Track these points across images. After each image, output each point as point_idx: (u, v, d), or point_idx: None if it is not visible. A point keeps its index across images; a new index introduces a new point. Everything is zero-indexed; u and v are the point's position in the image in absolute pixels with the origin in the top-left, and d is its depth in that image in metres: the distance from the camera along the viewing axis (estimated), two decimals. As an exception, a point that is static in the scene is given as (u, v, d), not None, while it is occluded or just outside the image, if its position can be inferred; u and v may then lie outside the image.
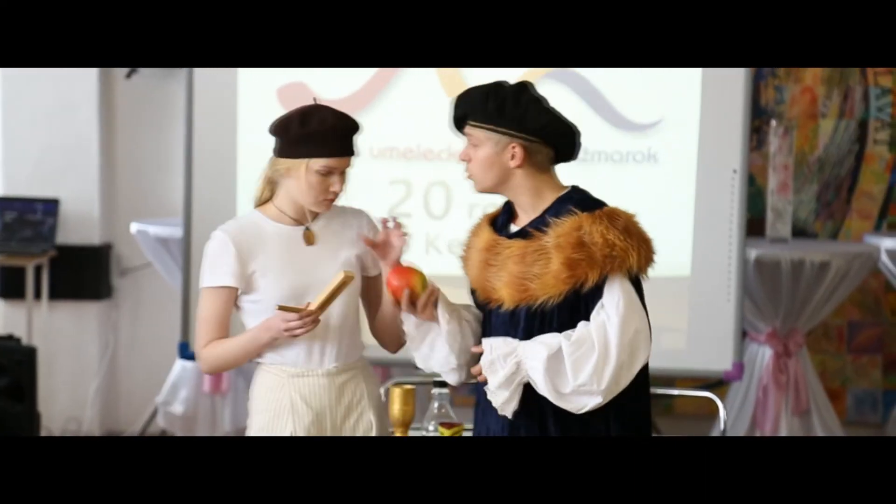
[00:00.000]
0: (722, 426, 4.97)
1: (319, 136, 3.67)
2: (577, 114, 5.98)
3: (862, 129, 7.10)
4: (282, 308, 3.64)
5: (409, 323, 3.59)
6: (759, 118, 6.94)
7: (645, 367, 3.41)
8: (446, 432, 4.05)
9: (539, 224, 3.41)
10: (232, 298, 3.75)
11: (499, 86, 3.46)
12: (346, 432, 3.75)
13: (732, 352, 5.98)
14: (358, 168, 6.07)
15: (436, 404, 4.19)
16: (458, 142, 6.05)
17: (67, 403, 7.26)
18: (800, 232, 7.01)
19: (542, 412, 3.41)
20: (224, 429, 6.76)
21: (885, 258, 6.65)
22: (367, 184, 6.14)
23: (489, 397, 3.43)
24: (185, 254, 6.18)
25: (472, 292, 3.58)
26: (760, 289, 6.36)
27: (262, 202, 3.82)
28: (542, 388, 3.34)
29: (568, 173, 6.00)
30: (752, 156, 6.72)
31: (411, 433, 4.26)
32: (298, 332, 3.61)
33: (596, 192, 6.57)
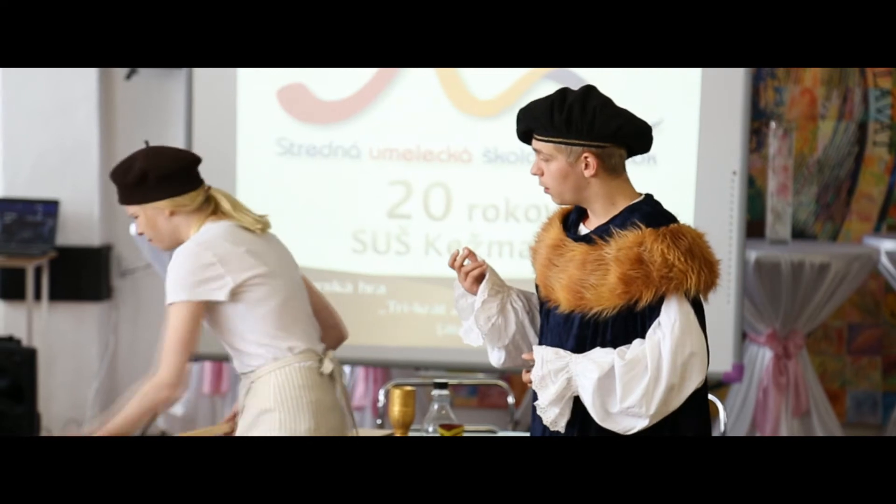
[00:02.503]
0: (722, 428, 4.97)
1: None
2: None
3: (861, 130, 7.10)
4: None
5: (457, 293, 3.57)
6: (758, 120, 6.94)
7: (702, 390, 3.32)
8: (446, 434, 4.05)
9: (603, 232, 3.33)
10: None
11: (563, 95, 3.36)
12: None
13: (732, 353, 5.97)
14: (358, 169, 6.13)
15: (435, 406, 4.19)
16: (456, 143, 6.11)
17: (67, 405, 7.26)
18: (799, 234, 7.01)
19: (586, 422, 3.33)
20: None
21: (884, 260, 6.65)
22: (366, 185, 6.14)
23: (539, 412, 3.35)
24: (185, 255, 6.17)
25: (536, 287, 3.51)
26: (760, 290, 6.36)
27: None
28: (590, 407, 3.26)
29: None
30: (752, 157, 6.71)
31: (411, 434, 4.25)
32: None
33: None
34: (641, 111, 3.52)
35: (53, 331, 7.14)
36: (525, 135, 3.41)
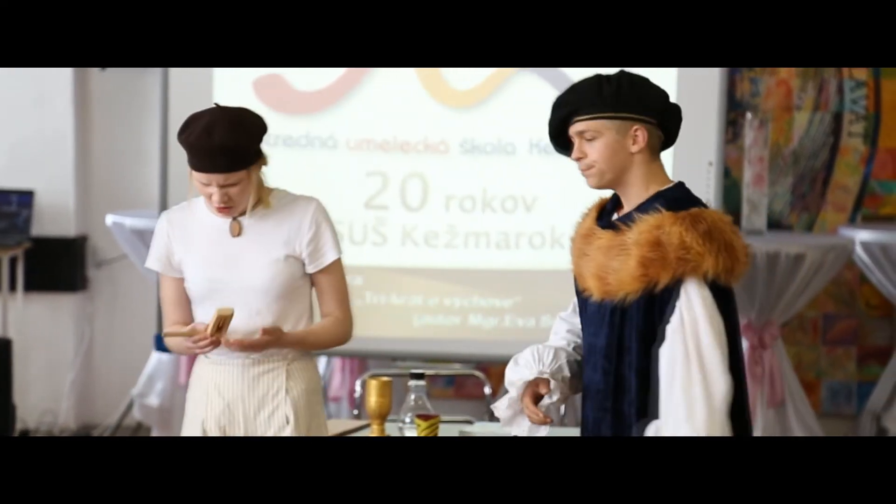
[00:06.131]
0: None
1: (189, 147, 3.69)
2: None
3: (837, 121, 7.12)
4: (166, 335, 3.76)
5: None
6: (734, 111, 6.95)
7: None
8: (423, 424, 4.06)
9: (628, 218, 3.35)
10: (171, 280, 3.81)
11: (605, 75, 3.40)
12: (260, 425, 3.75)
13: (708, 344, 5.98)
14: (335, 159, 6.12)
15: (412, 396, 4.20)
16: (433, 133, 6.11)
17: (43, 396, 7.24)
18: (775, 224, 7.03)
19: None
20: (200, 421, 6.75)
21: (859, 250, 6.68)
22: (343, 175, 6.14)
23: None
24: (161, 246, 6.16)
25: (575, 278, 3.53)
26: (736, 281, 6.37)
27: None
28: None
29: (543, 166, 6.01)
30: (728, 148, 6.73)
31: (388, 425, 4.26)
32: (198, 351, 3.68)
33: (571, 186, 6.52)
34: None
35: (29, 322, 7.12)
36: (562, 122, 3.40)
